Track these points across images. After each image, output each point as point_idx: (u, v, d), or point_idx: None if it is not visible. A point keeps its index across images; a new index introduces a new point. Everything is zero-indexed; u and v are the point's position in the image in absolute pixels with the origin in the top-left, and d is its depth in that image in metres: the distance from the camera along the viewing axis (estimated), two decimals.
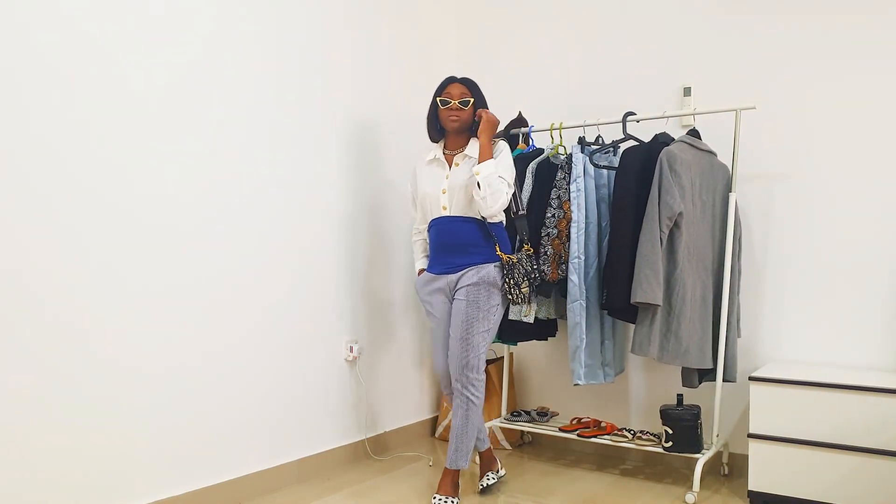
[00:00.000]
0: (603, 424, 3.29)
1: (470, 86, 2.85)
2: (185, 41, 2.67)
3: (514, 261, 2.77)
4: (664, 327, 2.82)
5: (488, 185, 2.68)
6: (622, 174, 2.93)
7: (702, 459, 2.87)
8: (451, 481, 2.80)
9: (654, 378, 3.39)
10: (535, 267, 2.83)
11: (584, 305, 2.98)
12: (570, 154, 3.10)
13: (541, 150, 3.28)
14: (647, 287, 2.74)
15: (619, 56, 3.50)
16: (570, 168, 3.07)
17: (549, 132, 3.45)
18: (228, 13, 2.82)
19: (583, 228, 3.00)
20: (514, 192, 2.87)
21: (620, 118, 3.12)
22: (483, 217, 2.79)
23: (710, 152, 3.01)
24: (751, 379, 2.71)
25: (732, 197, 2.95)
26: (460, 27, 4.04)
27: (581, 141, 3.11)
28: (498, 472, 3.01)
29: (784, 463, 2.65)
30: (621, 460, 3.40)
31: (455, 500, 2.76)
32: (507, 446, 3.62)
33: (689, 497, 2.80)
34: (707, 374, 3.02)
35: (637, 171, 2.90)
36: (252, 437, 2.91)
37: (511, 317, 3.15)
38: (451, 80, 2.86)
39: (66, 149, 2.33)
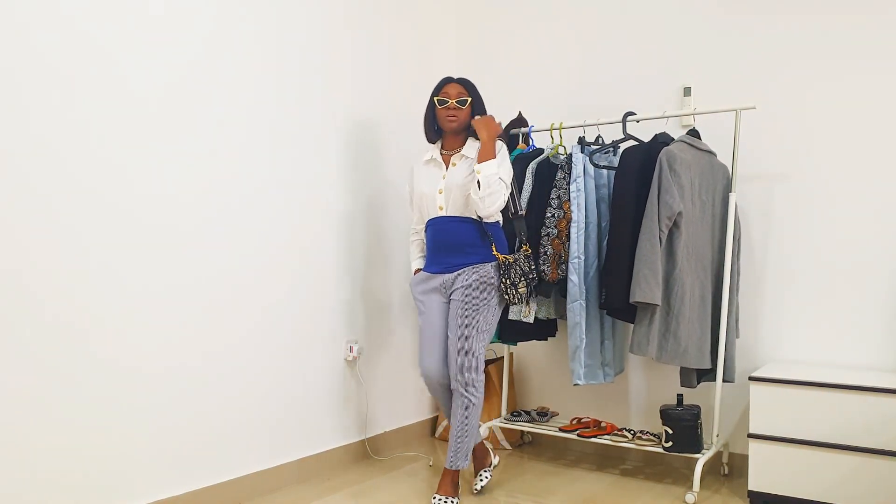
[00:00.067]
0: (603, 424, 3.29)
1: (467, 86, 2.85)
2: (185, 41, 2.67)
3: (511, 261, 2.77)
4: (663, 327, 2.82)
5: (488, 185, 2.68)
6: (622, 174, 2.93)
7: (702, 459, 2.87)
8: (450, 481, 2.80)
9: (653, 378, 3.39)
10: (532, 267, 2.83)
11: (584, 305, 2.98)
12: (570, 154, 3.10)
13: (541, 150, 3.28)
14: (646, 287, 2.74)
15: (619, 56, 3.50)
16: (570, 168, 3.07)
17: (549, 132, 3.45)
18: (228, 13, 2.83)
19: (583, 228, 3.00)
20: (513, 193, 2.87)
21: (620, 118, 3.12)
22: (480, 217, 2.79)
23: (710, 152, 3.01)
24: (751, 379, 2.71)
25: (732, 197, 2.95)
26: (460, 27, 4.04)
27: (581, 141, 3.11)
28: (492, 464, 3.02)
29: (784, 463, 2.65)
30: (621, 460, 3.40)
31: (455, 501, 2.76)
32: (507, 446, 3.62)
33: (689, 497, 2.80)
34: (705, 374, 3.03)
35: (637, 170, 2.90)
36: (252, 437, 2.91)
37: (511, 317, 3.15)
38: (448, 81, 2.86)
39: (66, 149, 2.33)
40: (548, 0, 3.73)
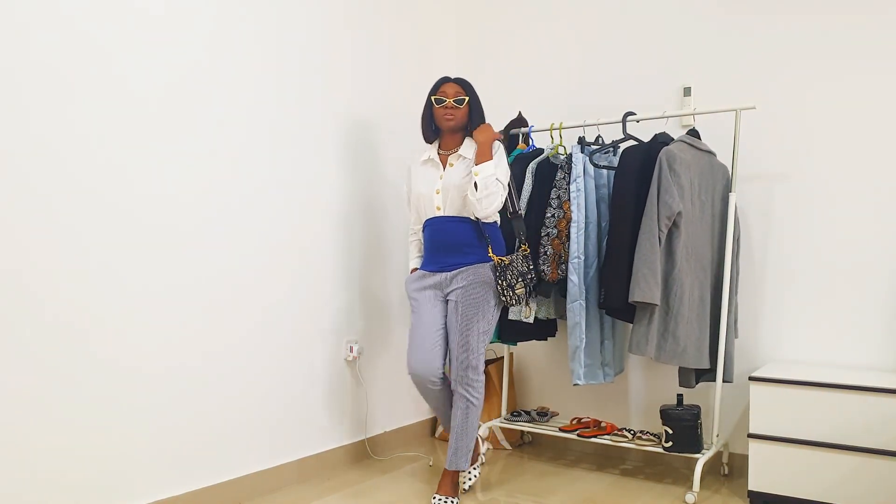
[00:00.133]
0: (603, 424, 3.29)
1: (464, 85, 2.85)
2: (185, 41, 2.67)
3: (507, 262, 2.75)
4: (662, 327, 2.82)
5: (485, 186, 2.68)
6: (621, 174, 2.93)
7: (702, 459, 2.87)
8: (450, 482, 2.80)
9: (653, 378, 3.39)
10: (531, 267, 2.82)
11: (584, 305, 2.98)
12: (570, 154, 3.10)
13: (541, 150, 3.28)
14: (645, 286, 2.74)
15: (619, 56, 3.50)
16: (569, 168, 3.07)
17: (549, 132, 3.45)
18: (228, 13, 2.83)
19: (582, 228, 3.00)
20: (511, 192, 2.87)
21: (620, 118, 3.12)
22: (477, 217, 2.79)
23: (710, 152, 3.01)
24: (751, 379, 2.71)
25: (732, 197, 2.95)
26: (460, 27, 4.04)
27: (581, 141, 3.11)
28: (479, 458, 3.02)
29: (784, 463, 2.65)
30: (621, 460, 3.40)
31: (455, 501, 2.76)
32: (507, 446, 3.62)
33: (689, 497, 2.80)
34: (704, 375, 3.02)
35: (636, 170, 2.90)
36: (252, 437, 2.91)
37: (511, 317, 3.15)
38: (445, 80, 2.86)
39: (66, 149, 2.33)
40: (548, 0, 3.73)
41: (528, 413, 3.47)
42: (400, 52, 3.66)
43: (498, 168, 2.73)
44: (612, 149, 3.20)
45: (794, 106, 3.06)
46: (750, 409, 2.71)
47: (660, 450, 2.99)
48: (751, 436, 2.71)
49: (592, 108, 3.51)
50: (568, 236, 3.05)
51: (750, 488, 2.72)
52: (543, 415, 3.44)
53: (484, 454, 3.07)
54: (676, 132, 3.24)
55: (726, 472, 3.14)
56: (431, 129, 2.92)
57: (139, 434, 2.52)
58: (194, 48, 2.70)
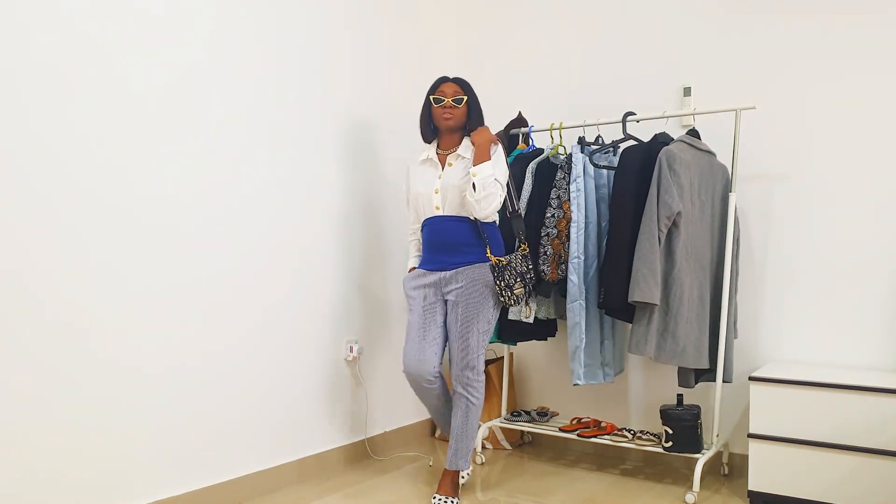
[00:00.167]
0: (603, 424, 3.29)
1: (463, 85, 2.85)
2: (185, 41, 2.67)
3: (504, 263, 2.75)
4: (661, 327, 2.82)
5: (483, 187, 2.68)
6: (621, 173, 2.93)
7: (702, 459, 2.87)
8: (450, 482, 2.80)
9: (653, 378, 3.39)
10: (530, 266, 2.81)
11: (584, 305, 2.98)
12: (570, 154, 3.10)
13: (541, 150, 3.28)
14: (645, 286, 2.74)
15: (619, 56, 3.50)
16: (569, 168, 3.07)
17: (549, 132, 3.45)
18: (228, 13, 2.83)
19: (582, 228, 3.00)
20: (510, 192, 2.87)
21: (620, 118, 3.12)
22: (475, 217, 2.79)
23: (710, 152, 3.01)
24: (751, 379, 2.71)
25: (732, 197, 2.95)
26: (460, 27, 4.04)
27: (581, 141, 3.11)
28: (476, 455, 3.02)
29: (784, 463, 2.65)
30: (621, 460, 3.40)
31: (455, 501, 2.76)
32: (507, 446, 3.62)
33: (689, 497, 2.80)
34: (704, 375, 3.02)
35: (636, 170, 2.90)
36: (252, 437, 2.91)
37: (511, 317, 3.15)
38: (443, 80, 2.87)
39: (66, 149, 2.33)
40: (548, 0, 3.73)
41: (528, 413, 3.47)
42: (400, 52, 3.66)
43: (496, 168, 2.73)
44: (612, 149, 3.20)
45: (794, 106, 3.06)
46: (750, 409, 2.71)
47: (660, 450, 2.99)
48: (751, 436, 2.71)
49: (592, 108, 3.51)
50: (568, 236, 3.05)
51: (750, 488, 2.72)
52: (543, 415, 3.44)
53: (482, 453, 3.07)
54: (676, 132, 3.24)
55: (726, 472, 3.14)
56: (430, 128, 2.92)
57: (139, 434, 2.52)
58: (194, 48, 2.70)
